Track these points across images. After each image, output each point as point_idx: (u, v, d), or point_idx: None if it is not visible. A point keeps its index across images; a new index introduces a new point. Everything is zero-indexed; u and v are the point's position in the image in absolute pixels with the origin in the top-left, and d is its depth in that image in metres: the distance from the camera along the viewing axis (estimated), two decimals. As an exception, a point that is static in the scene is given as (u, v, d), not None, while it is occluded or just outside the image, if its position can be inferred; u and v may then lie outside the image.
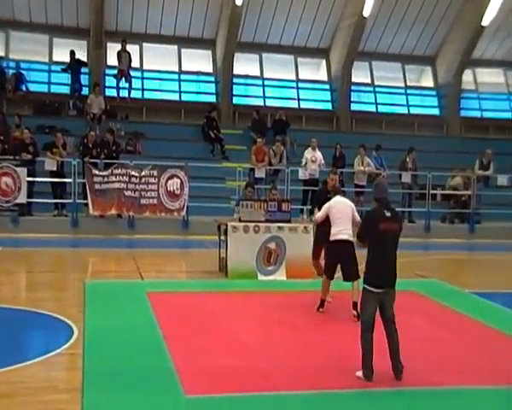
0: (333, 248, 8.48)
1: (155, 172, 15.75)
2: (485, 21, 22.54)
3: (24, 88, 20.54)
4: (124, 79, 20.92)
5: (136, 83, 21.57)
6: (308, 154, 17.90)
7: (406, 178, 18.32)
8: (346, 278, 8.53)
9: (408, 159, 18.48)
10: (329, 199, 8.91)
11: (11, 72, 20.64)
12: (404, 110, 24.62)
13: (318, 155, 17.90)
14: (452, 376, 6.27)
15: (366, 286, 6.09)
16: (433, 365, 6.54)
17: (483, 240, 17.42)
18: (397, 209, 6.56)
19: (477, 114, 25.35)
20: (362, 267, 6.48)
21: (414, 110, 24.66)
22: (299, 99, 23.53)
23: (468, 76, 24.87)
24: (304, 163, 17.82)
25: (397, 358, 6.08)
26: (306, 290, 9.60)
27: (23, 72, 20.72)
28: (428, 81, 25.13)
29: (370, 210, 6.49)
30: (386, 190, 6.39)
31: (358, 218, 8.55)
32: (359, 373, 6.03)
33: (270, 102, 22.93)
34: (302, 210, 17.45)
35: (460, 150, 21.76)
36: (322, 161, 17.82)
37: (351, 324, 7.82)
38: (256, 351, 7.03)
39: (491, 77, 25.51)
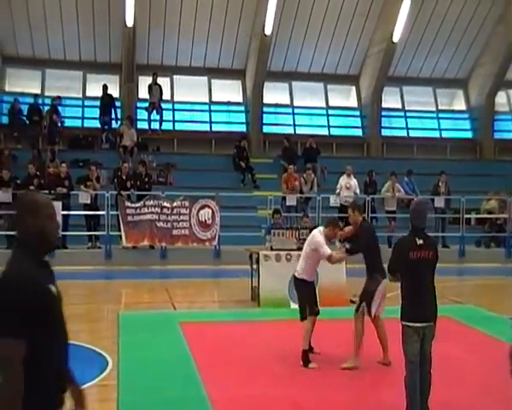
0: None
1: (187, 203, 15.82)
2: (518, 43, 22.37)
3: (59, 124, 20.91)
4: (155, 111, 21.21)
5: (167, 115, 21.82)
6: (343, 181, 17.82)
7: (439, 202, 18.12)
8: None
9: (440, 183, 18.30)
10: None
11: (46, 108, 21.08)
12: (435, 134, 24.44)
13: (353, 182, 17.80)
14: (490, 406, 6.11)
15: (404, 322, 5.62)
16: (470, 393, 6.39)
17: (520, 264, 17.09)
18: (430, 234, 6.23)
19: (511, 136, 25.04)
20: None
21: (446, 134, 24.47)
22: (329, 126, 23.54)
23: (501, 98, 24.61)
24: (338, 190, 17.72)
25: (423, 402, 5.61)
26: (339, 319, 9.49)
27: (58, 108, 21.13)
28: (460, 104, 24.93)
29: (400, 239, 5.99)
30: (423, 217, 5.85)
31: (322, 251, 7.81)
32: None
33: (300, 130, 22.96)
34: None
35: (494, 173, 21.48)
36: (357, 190, 17.72)
37: (381, 357, 7.69)
38: (288, 381, 6.96)
39: (524, 98, 25.22)
